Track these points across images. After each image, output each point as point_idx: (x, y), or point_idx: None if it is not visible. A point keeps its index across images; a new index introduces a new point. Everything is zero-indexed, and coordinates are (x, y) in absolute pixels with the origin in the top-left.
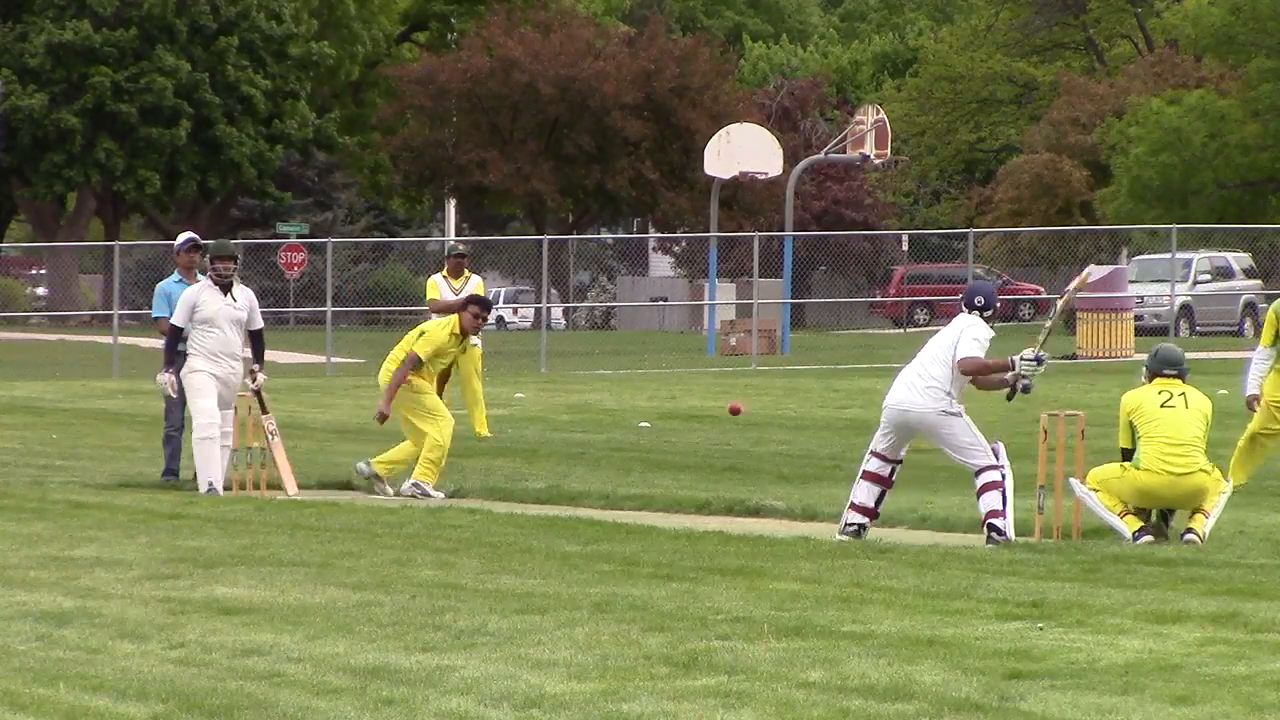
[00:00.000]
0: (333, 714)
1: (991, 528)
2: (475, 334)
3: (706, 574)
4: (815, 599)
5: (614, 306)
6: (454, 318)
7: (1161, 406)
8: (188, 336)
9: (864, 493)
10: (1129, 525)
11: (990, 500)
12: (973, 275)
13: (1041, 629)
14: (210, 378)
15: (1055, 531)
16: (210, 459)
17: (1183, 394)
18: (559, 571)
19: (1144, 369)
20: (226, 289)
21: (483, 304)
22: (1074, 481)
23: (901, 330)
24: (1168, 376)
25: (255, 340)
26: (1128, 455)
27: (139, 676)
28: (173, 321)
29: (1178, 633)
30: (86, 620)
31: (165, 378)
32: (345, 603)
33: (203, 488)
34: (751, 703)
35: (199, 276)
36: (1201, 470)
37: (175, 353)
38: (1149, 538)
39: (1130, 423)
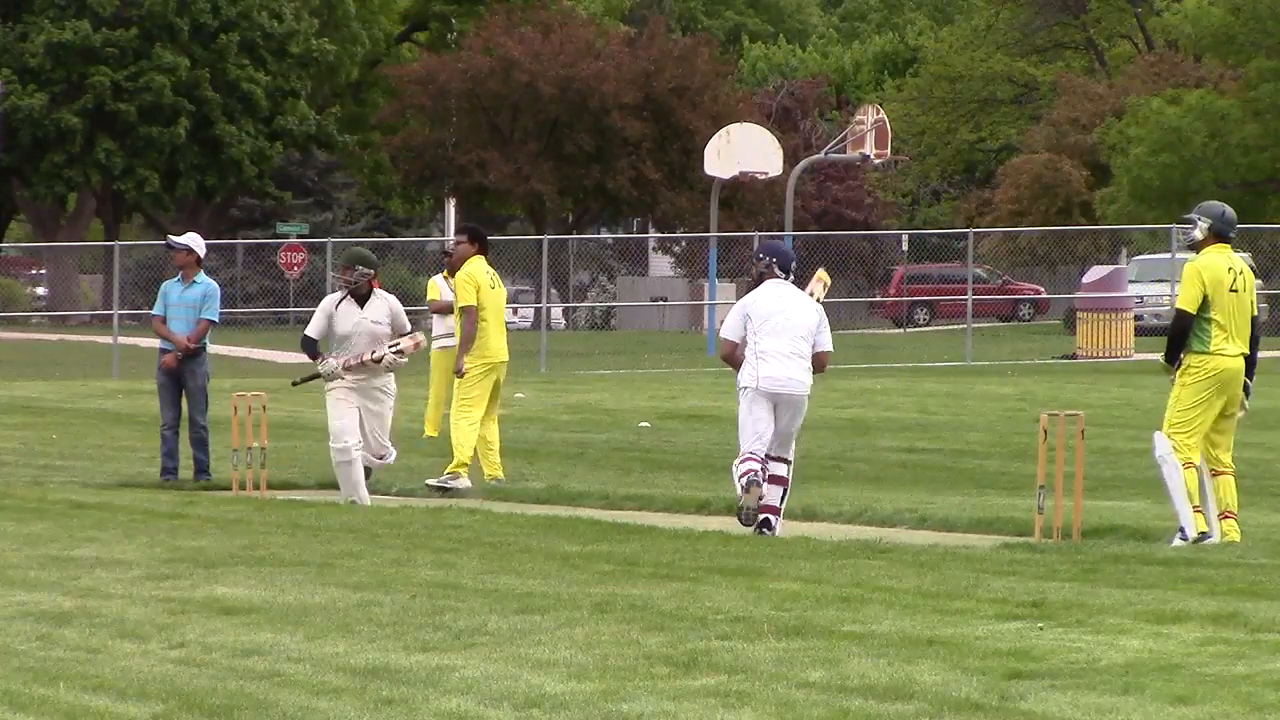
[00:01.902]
0: (333, 714)
1: (767, 524)
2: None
3: (706, 574)
4: (815, 599)
5: (614, 306)
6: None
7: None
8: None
9: (752, 476)
10: (1198, 523)
11: (780, 494)
12: (973, 275)
13: (1041, 629)
14: (347, 393)
15: (1055, 531)
16: (349, 480)
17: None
18: (559, 571)
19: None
20: (363, 300)
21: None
22: (1159, 438)
23: (901, 330)
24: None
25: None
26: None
27: (139, 676)
28: (306, 333)
29: (1178, 633)
30: (86, 620)
31: (332, 364)
32: (345, 603)
33: (342, 499)
34: (751, 703)
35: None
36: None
37: (316, 351)
38: (1213, 540)
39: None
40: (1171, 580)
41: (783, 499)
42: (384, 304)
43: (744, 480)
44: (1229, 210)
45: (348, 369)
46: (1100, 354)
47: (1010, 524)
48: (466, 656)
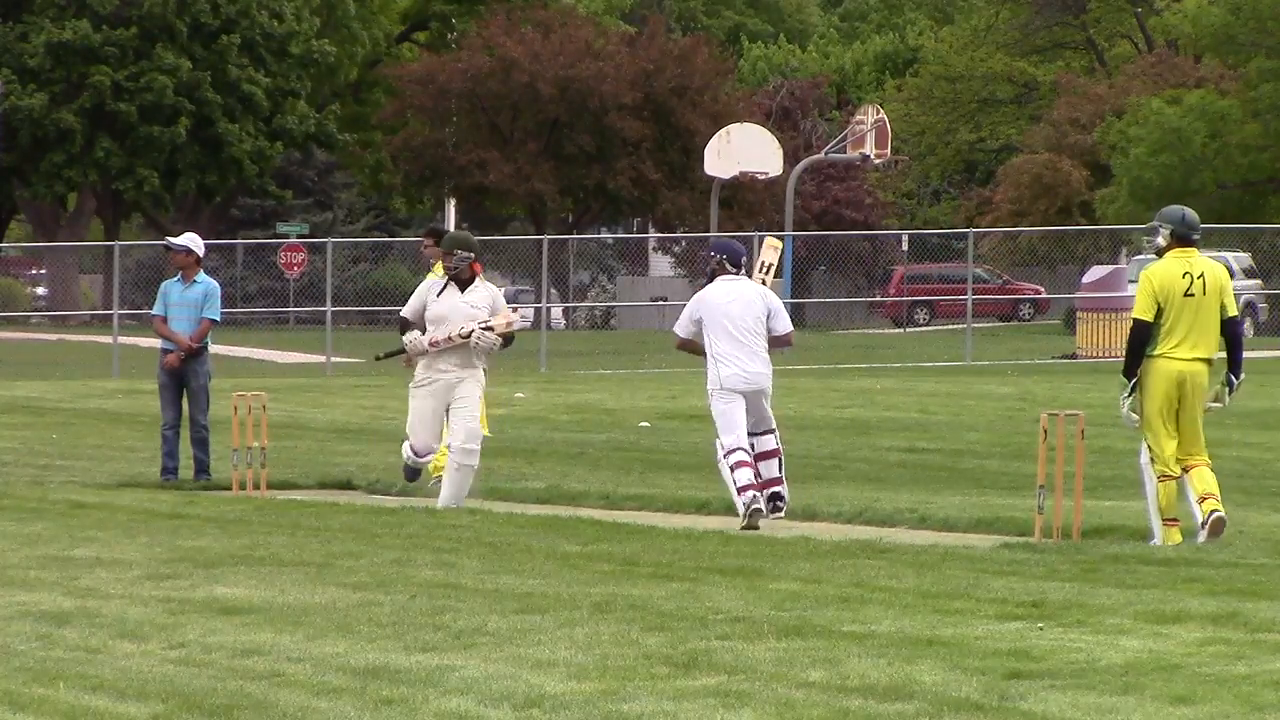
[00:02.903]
0: (333, 714)
1: (778, 497)
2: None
3: (706, 574)
4: (815, 599)
5: (614, 306)
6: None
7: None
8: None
9: (747, 475)
10: (1168, 536)
11: (777, 464)
12: (973, 275)
13: (1041, 629)
14: (427, 400)
15: (1055, 531)
16: (411, 482)
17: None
18: (559, 571)
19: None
20: (464, 285)
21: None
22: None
23: (901, 330)
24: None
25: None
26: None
27: (139, 676)
28: (403, 314)
29: (1178, 633)
30: (86, 620)
31: (419, 339)
32: (345, 603)
33: (410, 479)
34: (751, 703)
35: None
36: None
37: (410, 327)
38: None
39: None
40: (1171, 580)
41: (781, 467)
42: (486, 291)
43: (746, 497)
44: (1189, 213)
45: (434, 345)
46: (1100, 354)
47: (1010, 524)
48: (466, 656)
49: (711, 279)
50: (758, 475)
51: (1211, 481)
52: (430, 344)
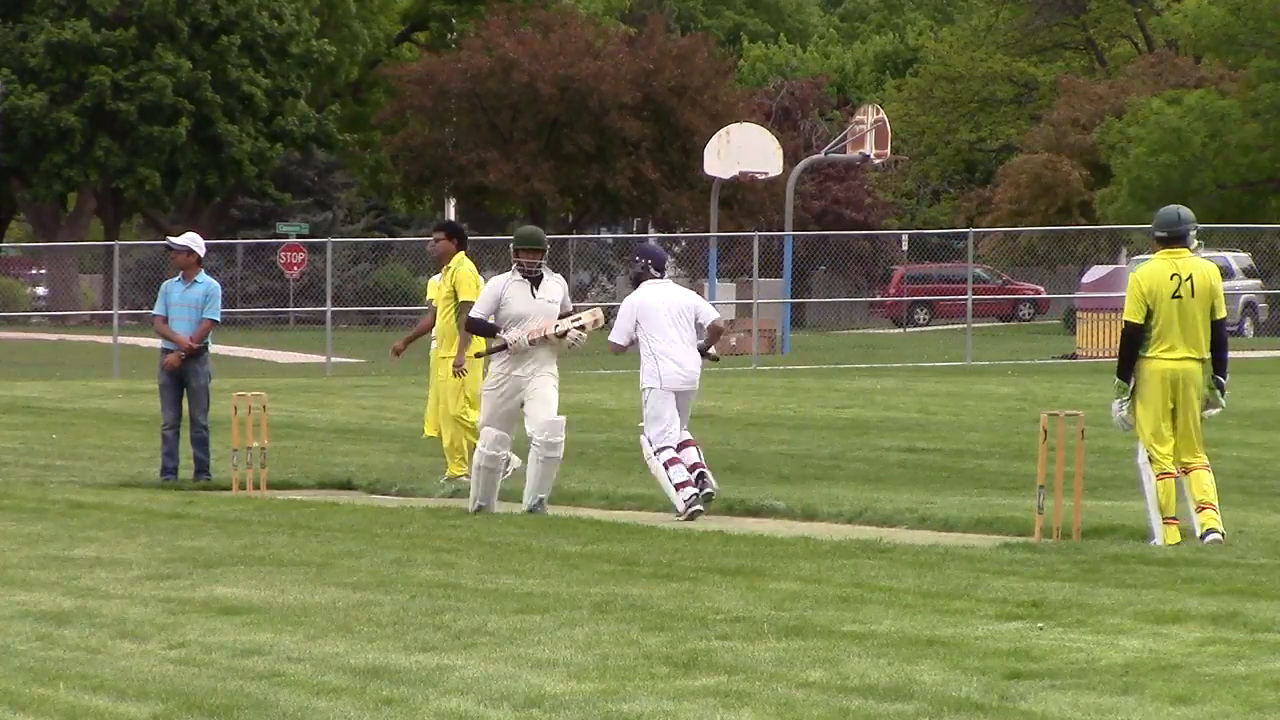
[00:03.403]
0: (333, 714)
1: (704, 477)
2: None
3: (706, 574)
4: (815, 599)
5: (614, 306)
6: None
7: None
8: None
9: (681, 472)
10: (1167, 535)
11: (697, 450)
12: (973, 275)
13: (1041, 629)
14: (508, 399)
15: (1055, 531)
16: (487, 484)
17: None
18: (559, 571)
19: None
20: (536, 281)
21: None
22: (1139, 446)
23: (901, 330)
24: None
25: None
26: None
27: (139, 676)
28: (474, 314)
29: (1178, 633)
30: (86, 620)
31: (520, 336)
32: (345, 603)
33: (470, 505)
34: (751, 703)
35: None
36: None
37: (495, 328)
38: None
39: None
40: (1171, 580)
41: (700, 453)
42: (557, 285)
43: (686, 494)
44: (1183, 211)
45: (533, 342)
46: (1100, 354)
47: (1010, 524)
48: (466, 656)
49: (637, 283)
50: (689, 469)
51: (1209, 488)
52: (530, 340)
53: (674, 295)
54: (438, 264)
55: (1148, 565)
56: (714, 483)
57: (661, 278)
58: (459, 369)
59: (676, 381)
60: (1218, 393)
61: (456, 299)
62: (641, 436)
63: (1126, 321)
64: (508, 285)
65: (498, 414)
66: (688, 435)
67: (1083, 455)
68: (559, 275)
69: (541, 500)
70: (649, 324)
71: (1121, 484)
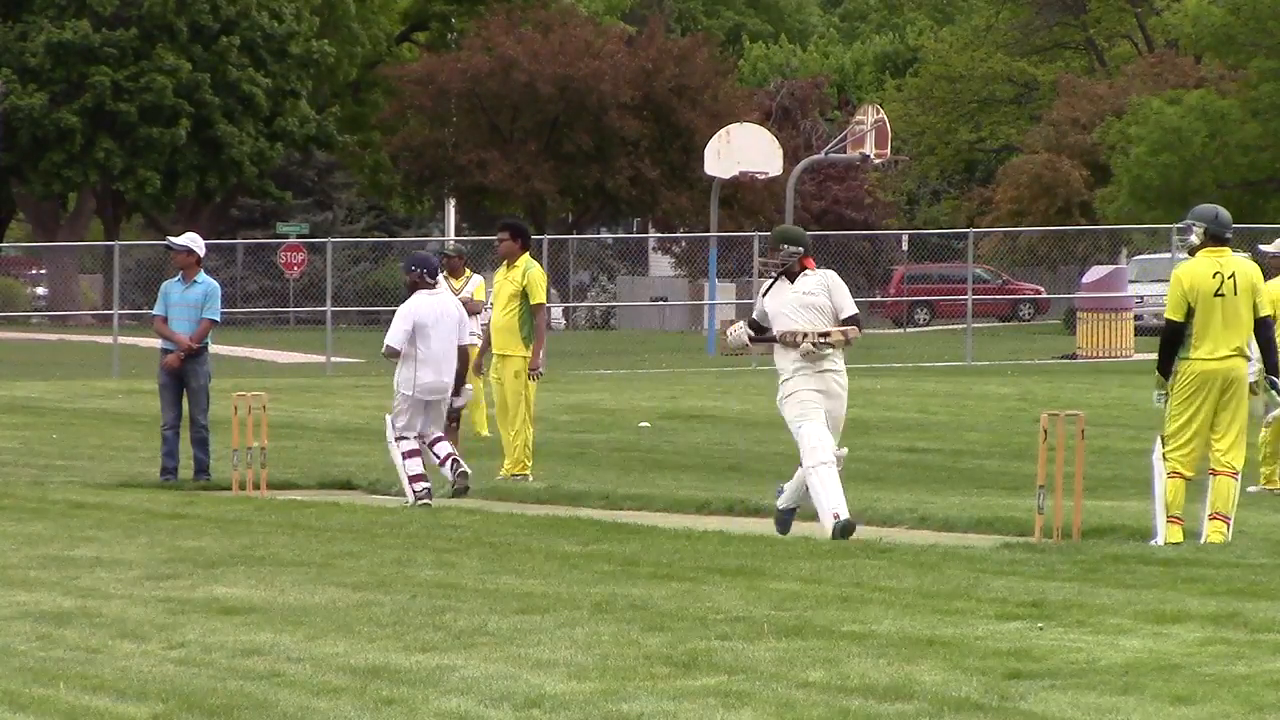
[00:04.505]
0: (333, 714)
1: (457, 462)
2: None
3: (706, 574)
4: (815, 599)
5: (614, 306)
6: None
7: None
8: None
9: (418, 464)
10: (1170, 534)
11: (449, 446)
12: (973, 275)
13: (1041, 629)
14: (816, 397)
15: (1055, 531)
16: (829, 487)
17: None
18: (559, 571)
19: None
20: (794, 278)
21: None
22: (1157, 442)
23: (901, 330)
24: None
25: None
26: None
27: (139, 676)
28: (753, 319)
29: (1178, 633)
30: (86, 620)
31: (739, 331)
32: (345, 603)
33: (826, 520)
34: (751, 703)
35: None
36: None
37: (765, 326)
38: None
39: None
40: (1171, 580)
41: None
42: (819, 279)
43: (419, 487)
44: (1222, 212)
45: (815, 344)
46: (1100, 354)
47: (1010, 524)
48: (466, 656)
49: (412, 290)
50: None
51: (1230, 499)
52: (813, 343)
53: (446, 304)
54: (454, 269)
55: (1148, 565)
56: (467, 467)
57: (434, 285)
58: (535, 373)
59: (428, 393)
60: (1274, 393)
61: (527, 301)
62: (387, 416)
63: (1167, 320)
64: (767, 289)
65: (816, 423)
66: (439, 433)
67: (1083, 455)
68: (829, 271)
69: (836, 514)
70: (421, 333)
71: (1121, 484)
